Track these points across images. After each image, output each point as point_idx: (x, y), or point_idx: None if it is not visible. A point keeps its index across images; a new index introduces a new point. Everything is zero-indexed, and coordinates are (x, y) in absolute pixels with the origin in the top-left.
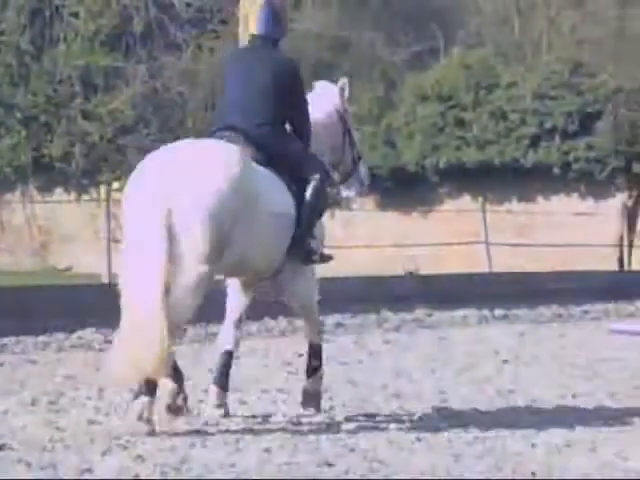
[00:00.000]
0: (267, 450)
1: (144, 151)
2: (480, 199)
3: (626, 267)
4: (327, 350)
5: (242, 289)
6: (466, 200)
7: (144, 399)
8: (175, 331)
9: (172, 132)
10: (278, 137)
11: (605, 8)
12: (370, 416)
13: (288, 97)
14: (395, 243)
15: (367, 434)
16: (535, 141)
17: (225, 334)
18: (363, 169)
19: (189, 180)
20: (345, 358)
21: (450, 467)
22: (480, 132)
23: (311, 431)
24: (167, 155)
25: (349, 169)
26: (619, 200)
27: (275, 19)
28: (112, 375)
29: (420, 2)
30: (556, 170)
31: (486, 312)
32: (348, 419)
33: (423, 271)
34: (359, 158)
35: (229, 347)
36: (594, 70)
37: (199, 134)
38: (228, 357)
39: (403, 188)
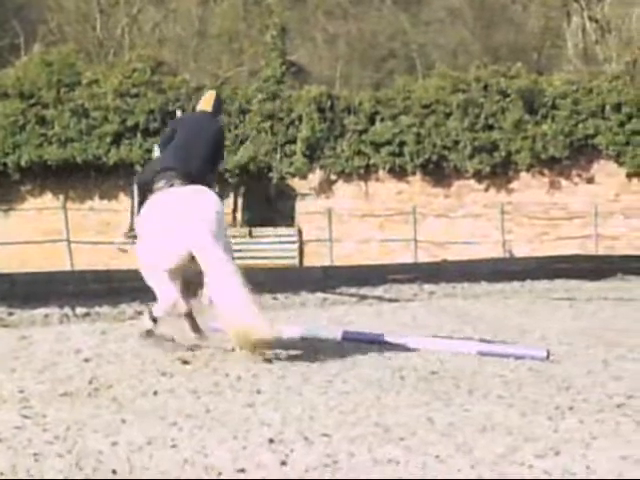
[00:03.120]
0: None
1: None
2: (62, 197)
3: None
4: None
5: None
6: (48, 198)
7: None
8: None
9: None
10: (205, 172)
11: (187, 7)
12: None
13: (217, 149)
14: None
15: None
16: (117, 139)
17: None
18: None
19: (201, 206)
20: None
21: (30, 467)
22: (62, 130)
23: None
24: (181, 191)
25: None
26: None
27: (217, 104)
28: None
29: None
30: (138, 167)
31: (68, 310)
32: None
33: (4, 270)
34: None
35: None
36: (175, 68)
37: None
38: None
39: None
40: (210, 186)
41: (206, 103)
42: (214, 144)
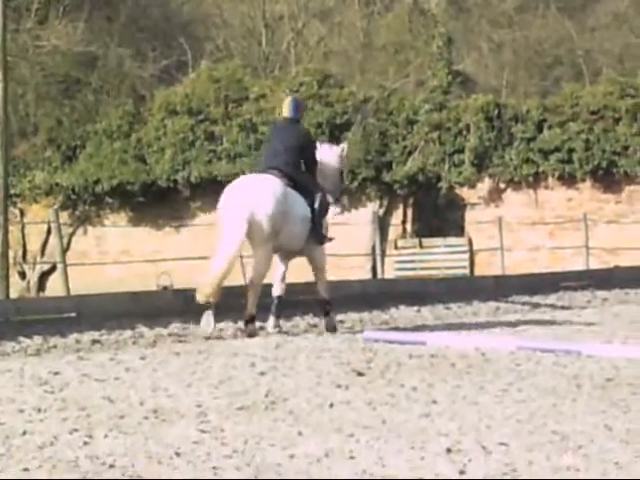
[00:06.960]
0: (25, 470)
1: None
2: None
3: (379, 275)
4: (84, 368)
5: (283, 259)
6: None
7: (209, 312)
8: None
9: None
10: (298, 172)
11: (351, 20)
12: (128, 433)
13: (305, 151)
14: (148, 258)
15: (126, 450)
16: None
17: (275, 285)
18: (345, 197)
19: (259, 197)
20: (102, 375)
21: None
22: (231, 145)
23: (70, 449)
24: (246, 182)
25: (338, 196)
26: (370, 209)
27: (298, 108)
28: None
29: (166, 16)
30: None
31: (241, 324)
32: (106, 436)
33: (177, 286)
34: (344, 190)
35: (278, 293)
36: (342, 81)
37: None
38: (278, 300)
39: (155, 203)
40: (303, 184)
41: (285, 109)
42: (296, 145)
